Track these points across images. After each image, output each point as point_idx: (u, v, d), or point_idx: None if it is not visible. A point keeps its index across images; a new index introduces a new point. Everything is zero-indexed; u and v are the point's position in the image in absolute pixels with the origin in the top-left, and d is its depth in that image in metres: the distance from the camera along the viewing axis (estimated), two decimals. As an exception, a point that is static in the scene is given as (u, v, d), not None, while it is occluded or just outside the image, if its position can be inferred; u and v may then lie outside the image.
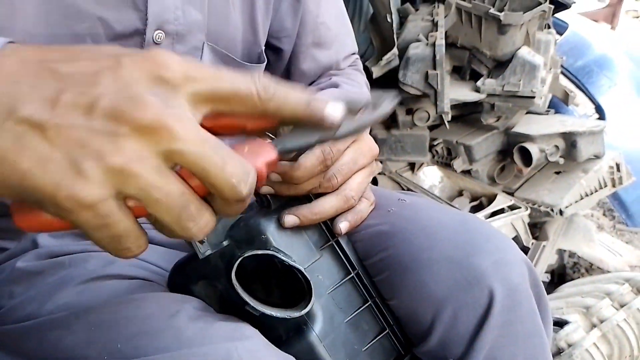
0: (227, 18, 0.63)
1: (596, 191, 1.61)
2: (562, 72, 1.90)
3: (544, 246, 1.51)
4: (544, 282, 1.54)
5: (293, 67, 0.76)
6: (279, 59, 0.75)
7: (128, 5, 0.53)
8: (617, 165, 1.63)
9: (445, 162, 1.71)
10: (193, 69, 0.30)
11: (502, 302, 0.51)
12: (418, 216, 0.57)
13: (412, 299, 0.53)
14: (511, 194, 1.62)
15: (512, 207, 1.53)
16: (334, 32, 0.76)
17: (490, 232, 0.56)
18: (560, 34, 2.08)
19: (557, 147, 1.56)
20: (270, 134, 0.39)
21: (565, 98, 1.77)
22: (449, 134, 1.68)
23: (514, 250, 0.55)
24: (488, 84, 1.55)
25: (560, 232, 1.59)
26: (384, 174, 1.70)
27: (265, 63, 0.70)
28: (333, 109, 0.35)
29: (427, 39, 1.55)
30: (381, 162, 1.72)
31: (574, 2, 1.77)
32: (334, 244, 0.54)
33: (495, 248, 0.53)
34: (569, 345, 1.14)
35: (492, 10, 1.49)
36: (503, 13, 1.48)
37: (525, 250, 1.49)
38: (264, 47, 0.70)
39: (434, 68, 1.52)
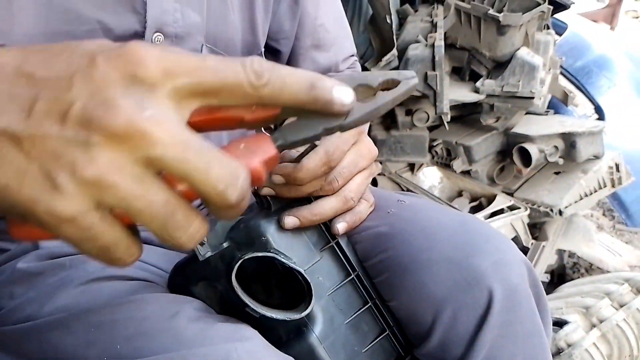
0: (225, 20, 0.63)
1: (595, 191, 1.61)
2: (561, 73, 1.90)
3: (543, 246, 1.51)
4: (543, 282, 1.54)
5: None
6: (277, 61, 0.75)
7: (127, 8, 0.53)
8: (617, 166, 1.63)
9: (444, 163, 1.70)
10: (172, 63, 0.28)
11: (501, 303, 0.51)
12: (417, 217, 0.57)
13: (412, 300, 0.53)
14: (511, 194, 1.62)
15: (511, 208, 1.52)
16: (332, 35, 0.76)
17: (489, 232, 0.56)
18: (560, 34, 2.08)
19: (556, 147, 1.56)
20: (273, 126, 0.35)
21: (565, 98, 1.77)
22: (448, 134, 1.68)
23: (513, 250, 0.55)
24: (487, 84, 1.55)
25: (559, 232, 1.58)
26: (384, 175, 1.70)
27: None
28: (342, 91, 0.31)
29: (427, 40, 1.55)
30: (381, 162, 1.72)
31: (573, 3, 1.77)
32: (334, 245, 0.54)
33: (494, 249, 0.53)
34: (569, 345, 1.14)
35: (491, 11, 1.50)
36: (502, 14, 1.48)
37: (524, 250, 1.49)
38: (263, 49, 0.70)
39: (433, 69, 1.52)
